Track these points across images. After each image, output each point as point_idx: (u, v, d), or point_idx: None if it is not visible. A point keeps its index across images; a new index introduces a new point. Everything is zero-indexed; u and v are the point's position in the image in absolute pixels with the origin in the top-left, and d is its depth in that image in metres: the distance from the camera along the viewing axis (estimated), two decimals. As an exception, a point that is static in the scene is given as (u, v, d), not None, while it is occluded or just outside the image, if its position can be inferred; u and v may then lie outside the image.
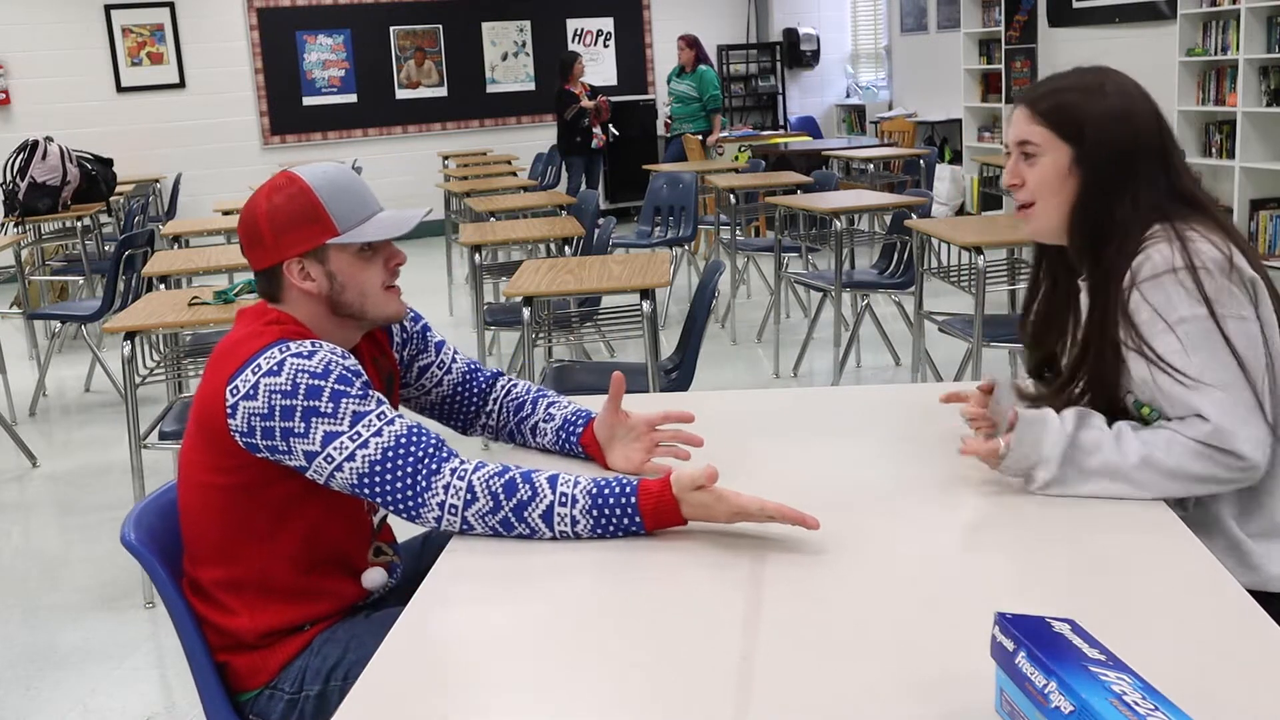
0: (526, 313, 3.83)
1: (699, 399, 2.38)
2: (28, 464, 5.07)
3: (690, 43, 9.97)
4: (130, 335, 3.66)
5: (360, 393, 1.72)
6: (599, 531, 1.68)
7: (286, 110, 10.99)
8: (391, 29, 11.22)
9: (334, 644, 1.82)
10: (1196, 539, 1.57)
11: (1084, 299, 1.85)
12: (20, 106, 10.19)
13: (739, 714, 1.21)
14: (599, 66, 11.65)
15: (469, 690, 1.31)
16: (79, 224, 7.16)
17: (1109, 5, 8.74)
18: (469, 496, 1.69)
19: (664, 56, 11.68)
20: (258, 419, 1.71)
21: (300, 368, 1.71)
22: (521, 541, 1.69)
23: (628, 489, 1.67)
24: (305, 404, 1.69)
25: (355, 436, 1.70)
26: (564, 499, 1.68)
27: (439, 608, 1.52)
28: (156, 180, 9.80)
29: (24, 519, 4.51)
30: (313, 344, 1.74)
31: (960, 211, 9.52)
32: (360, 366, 1.78)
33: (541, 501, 1.68)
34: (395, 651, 1.40)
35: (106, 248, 7.39)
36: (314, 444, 1.70)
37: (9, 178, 7.26)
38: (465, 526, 1.71)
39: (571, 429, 2.03)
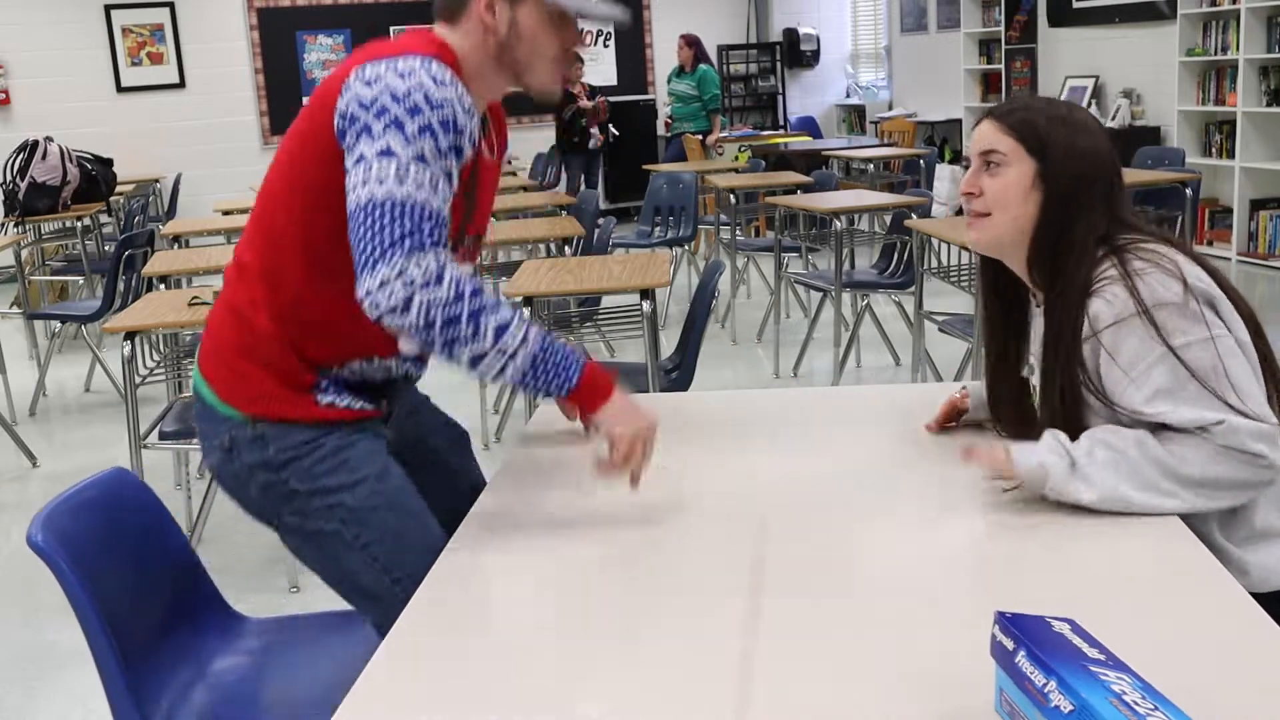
0: (526, 313, 3.84)
1: (699, 399, 2.39)
2: (28, 464, 5.07)
3: (690, 42, 9.97)
4: (130, 335, 3.66)
5: (445, 146, 1.68)
6: (531, 368, 1.69)
7: (286, 110, 10.97)
8: (391, 29, 11.20)
9: (346, 468, 1.80)
10: (1195, 538, 1.57)
11: (1036, 325, 1.86)
12: (20, 106, 10.18)
13: (739, 714, 1.21)
14: (599, 66, 11.64)
15: (467, 690, 1.30)
16: (79, 224, 7.16)
17: (1109, 5, 8.74)
18: (434, 279, 1.63)
19: (664, 56, 11.67)
20: (356, 104, 1.67)
21: (422, 85, 1.66)
22: (520, 542, 1.69)
23: (578, 353, 1.76)
24: (398, 112, 1.65)
25: (400, 170, 1.64)
26: (521, 321, 1.68)
27: (437, 607, 1.52)
28: (156, 180, 9.79)
29: (24, 519, 4.51)
30: (452, 80, 1.70)
31: (960, 211, 9.50)
32: (474, 131, 1.74)
33: (502, 315, 1.67)
34: (393, 653, 1.40)
35: (106, 248, 7.39)
36: (370, 149, 1.65)
37: (9, 178, 7.26)
38: (404, 308, 1.63)
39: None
